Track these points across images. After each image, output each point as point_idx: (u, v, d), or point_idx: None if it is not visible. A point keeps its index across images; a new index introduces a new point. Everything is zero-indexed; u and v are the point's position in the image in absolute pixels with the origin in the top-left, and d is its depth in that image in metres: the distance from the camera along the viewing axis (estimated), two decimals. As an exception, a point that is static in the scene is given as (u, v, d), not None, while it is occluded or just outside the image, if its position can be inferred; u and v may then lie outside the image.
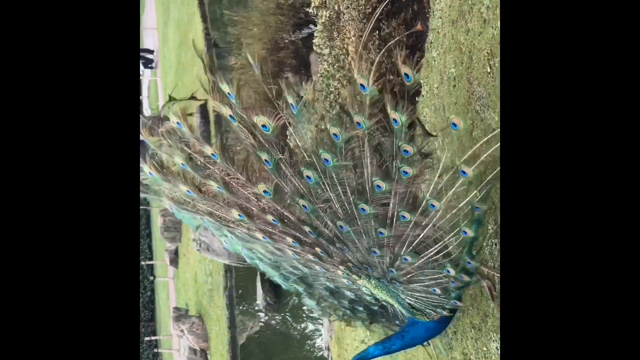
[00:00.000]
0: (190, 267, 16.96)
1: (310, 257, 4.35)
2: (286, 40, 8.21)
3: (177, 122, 4.03)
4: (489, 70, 4.69)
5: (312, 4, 6.96)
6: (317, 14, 6.96)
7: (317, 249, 4.28)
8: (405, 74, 3.60)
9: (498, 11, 4.49)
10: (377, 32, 6.00)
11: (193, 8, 17.77)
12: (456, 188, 3.71)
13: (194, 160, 4.11)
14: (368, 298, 4.65)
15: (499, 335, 4.66)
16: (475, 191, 3.69)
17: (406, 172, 3.70)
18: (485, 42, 4.71)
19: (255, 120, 3.80)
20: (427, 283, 4.20)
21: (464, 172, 3.64)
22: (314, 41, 7.19)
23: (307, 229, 4.17)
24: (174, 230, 17.62)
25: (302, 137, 3.89)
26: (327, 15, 6.68)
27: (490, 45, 4.65)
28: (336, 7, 6.42)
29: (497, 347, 4.74)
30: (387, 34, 6.01)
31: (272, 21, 8.06)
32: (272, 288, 12.38)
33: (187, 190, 4.22)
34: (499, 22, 4.50)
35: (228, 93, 3.84)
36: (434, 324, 4.51)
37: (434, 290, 4.23)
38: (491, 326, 4.76)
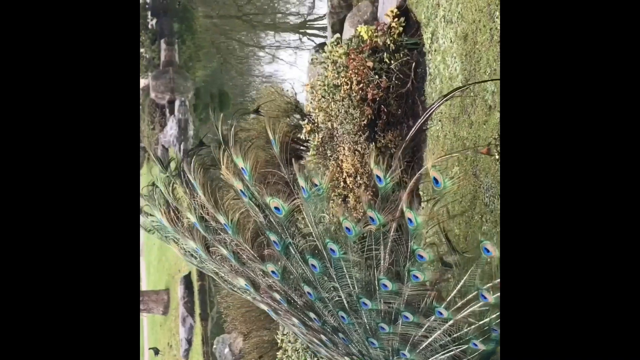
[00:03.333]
0: None
1: (316, 340, 3.87)
2: (275, 176, 8.01)
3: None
4: (497, 157, 4.44)
5: (304, 130, 6.85)
6: (308, 139, 6.83)
7: (322, 337, 3.82)
8: (435, 178, 3.39)
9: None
10: (374, 143, 5.83)
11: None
12: (474, 307, 3.32)
13: (206, 221, 3.86)
14: None
15: None
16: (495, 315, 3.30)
17: (416, 277, 3.34)
18: (492, 128, 4.51)
19: (267, 202, 3.59)
20: None
21: (484, 297, 3.25)
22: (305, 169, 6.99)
23: (312, 315, 3.79)
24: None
25: (311, 223, 3.60)
26: (320, 137, 6.53)
27: (498, 130, 4.44)
28: (329, 125, 6.28)
29: None
30: (383, 146, 5.84)
31: (262, 155, 7.90)
32: None
33: (196, 248, 3.96)
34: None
35: (242, 168, 3.60)
36: None
37: None
38: None
